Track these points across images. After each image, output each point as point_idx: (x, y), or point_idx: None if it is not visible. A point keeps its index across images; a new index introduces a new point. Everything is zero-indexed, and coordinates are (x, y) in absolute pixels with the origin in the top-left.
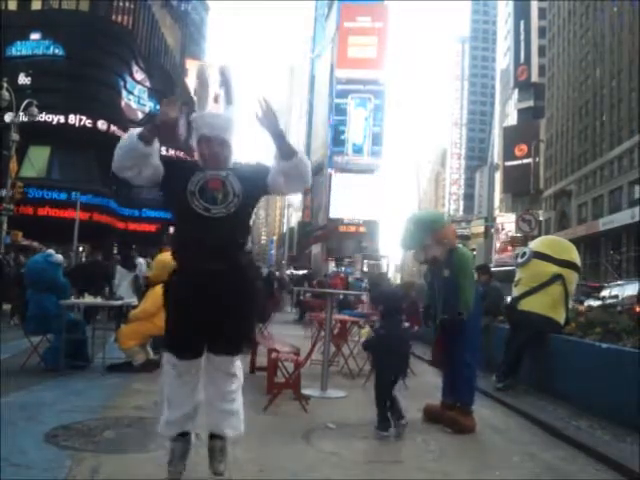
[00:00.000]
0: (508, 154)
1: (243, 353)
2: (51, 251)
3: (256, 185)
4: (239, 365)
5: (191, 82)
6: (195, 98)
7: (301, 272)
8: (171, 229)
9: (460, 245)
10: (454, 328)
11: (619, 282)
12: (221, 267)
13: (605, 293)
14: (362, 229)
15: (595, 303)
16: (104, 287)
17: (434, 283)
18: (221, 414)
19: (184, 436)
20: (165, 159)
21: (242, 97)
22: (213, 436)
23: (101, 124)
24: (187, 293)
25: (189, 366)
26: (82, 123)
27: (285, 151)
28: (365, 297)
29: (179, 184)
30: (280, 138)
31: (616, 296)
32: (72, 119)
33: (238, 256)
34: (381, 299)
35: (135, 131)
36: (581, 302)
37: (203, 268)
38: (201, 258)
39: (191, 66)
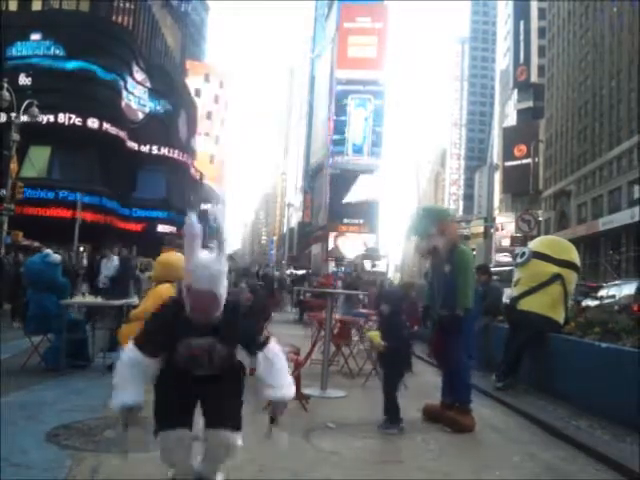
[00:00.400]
0: (508, 154)
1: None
2: (49, 251)
3: (242, 343)
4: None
5: (191, 83)
6: (185, 248)
7: (300, 272)
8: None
9: (462, 244)
10: (452, 326)
11: (616, 282)
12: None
13: (603, 293)
14: (362, 229)
15: (593, 303)
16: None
17: (434, 281)
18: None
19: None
20: (149, 349)
21: (229, 234)
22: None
23: (101, 124)
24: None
25: (177, 439)
26: (82, 123)
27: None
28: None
29: (164, 347)
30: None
31: (613, 296)
32: (72, 119)
33: (228, 373)
34: (386, 300)
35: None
36: (578, 302)
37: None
38: (187, 413)
39: (191, 67)
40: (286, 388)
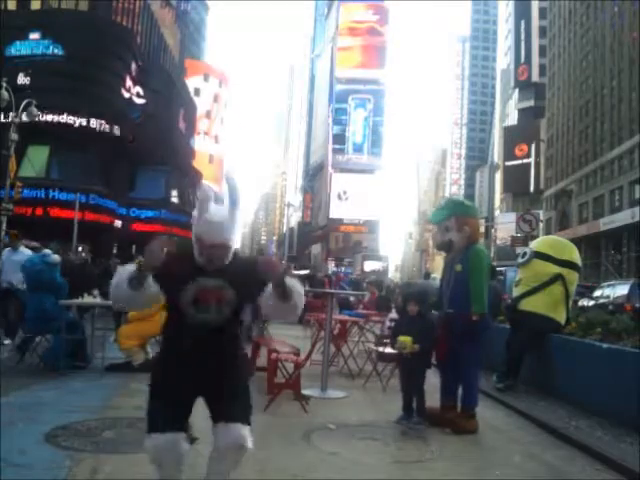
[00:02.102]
0: (508, 154)
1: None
2: (48, 251)
3: (250, 294)
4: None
5: (191, 82)
6: (196, 206)
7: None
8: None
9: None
10: (464, 329)
11: (611, 282)
12: (212, 364)
13: (598, 293)
14: (362, 229)
15: (589, 303)
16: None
17: (444, 277)
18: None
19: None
20: (160, 274)
21: (244, 200)
22: None
23: (100, 124)
24: (174, 378)
25: (168, 445)
26: (81, 123)
27: (282, 295)
28: (366, 298)
29: (173, 289)
30: (281, 287)
31: (608, 296)
32: (71, 119)
33: (230, 352)
34: (415, 300)
35: (124, 275)
36: (575, 302)
37: (193, 363)
38: (190, 357)
39: (190, 66)
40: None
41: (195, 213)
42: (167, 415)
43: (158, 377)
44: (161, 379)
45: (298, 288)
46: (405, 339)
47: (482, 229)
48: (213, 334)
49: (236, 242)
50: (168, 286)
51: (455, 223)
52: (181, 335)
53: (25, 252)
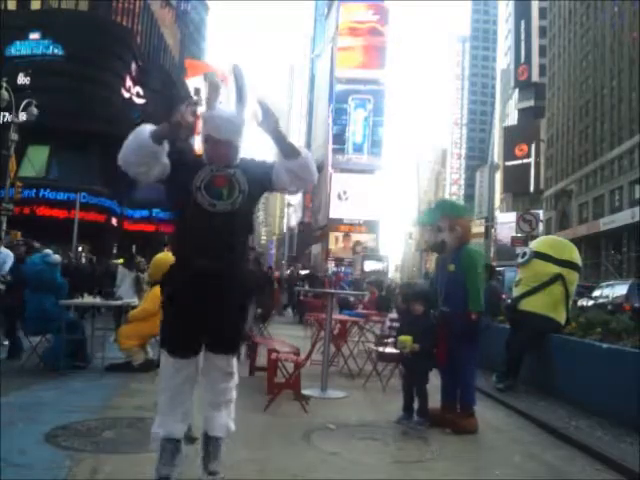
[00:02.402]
0: (508, 154)
1: (239, 354)
2: (49, 251)
3: (261, 182)
4: (235, 364)
5: (191, 82)
6: (204, 98)
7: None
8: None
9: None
10: (459, 324)
11: (610, 282)
12: (221, 265)
13: (597, 293)
14: (362, 229)
15: (588, 303)
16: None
17: (437, 278)
18: (218, 414)
19: (176, 440)
20: (172, 155)
21: (250, 97)
22: (208, 436)
23: (100, 124)
24: (185, 291)
25: (186, 364)
26: (81, 123)
27: (288, 151)
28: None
29: (185, 179)
30: (281, 140)
31: (607, 296)
32: (71, 119)
33: (240, 254)
34: (418, 299)
35: (146, 128)
36: (574, 302)
37: (203, 265)
38: (203, 254)
39: (190, 66)
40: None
41: (203, 111)
42: (184, 336)
43: (170, 295)
44: (173, 296)
45: (302, 147)
46: (405, 339)
47: (482, 229)
48: (224, 221)
49: (241, 144)
50: (181, 174)
51: (447, 223)
52: (193, 224)
53: (4, 252)
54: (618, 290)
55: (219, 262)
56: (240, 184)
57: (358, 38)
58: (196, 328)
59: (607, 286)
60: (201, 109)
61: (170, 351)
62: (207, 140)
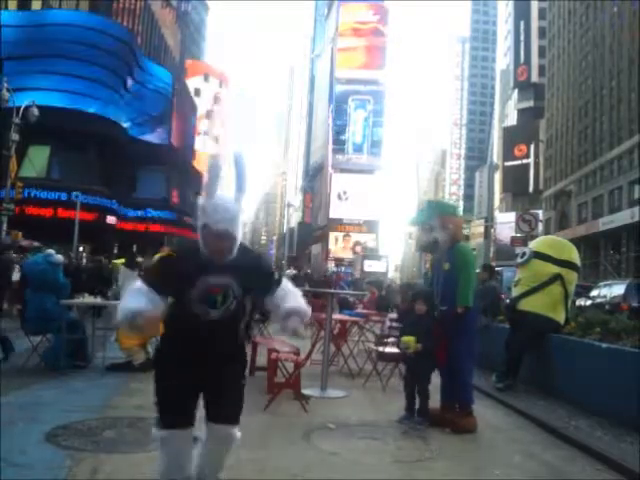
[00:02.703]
0: (508, 154)
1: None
2: (51, 251)
3: (254, 289)
4: (238, 433)
5: (191, 82)
6: (204, 186)
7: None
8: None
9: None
10: (452, 323)
11: (607, 282)
12: (216, 357)
13: (595, 293)
14: (362, 229)
15: (586, 302)
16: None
17: (434, 277)
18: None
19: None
20: (165, 277)
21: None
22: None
23: (100, 124)
24: (179, 374)
25: (179, 437)
26: (81, 123)
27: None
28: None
29: (180, 285)
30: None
31: (605, 296)
32: (71, 119)
33: (234, 340)
34: (422, 299)
35: (127, 320)
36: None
37: (196, 354)
38: (196, 358)
39: (191, 66)
40: (303, 305)
41: (200, 201)
42: (177, 411)
43: (163, 373)
44: (166, 375)
45: (299, 305)
46: (408, 339)
47: (482, 229)
48: (217, 326)
49: (240, 234)
50: (174, 286)
51: (439, 222)
52: (185, 328)
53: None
54: (615, 290)
55: (213, 362)
56: (235, 291)
57: (358, 38)
58: (192, 398)
59: (605, 286)
60: (201, 198)
61: (162, 421)
62: (205, 227)
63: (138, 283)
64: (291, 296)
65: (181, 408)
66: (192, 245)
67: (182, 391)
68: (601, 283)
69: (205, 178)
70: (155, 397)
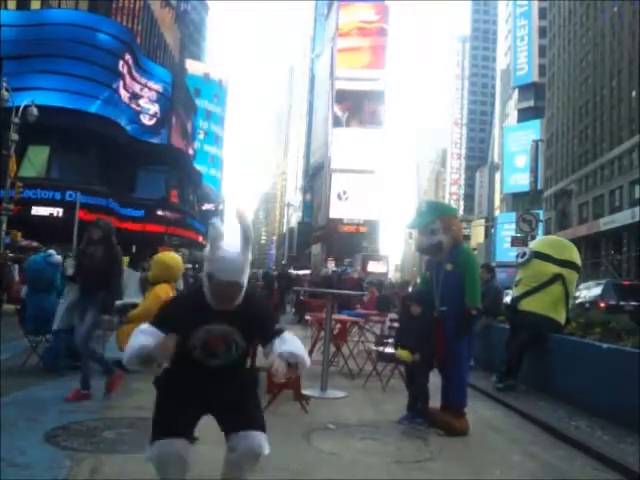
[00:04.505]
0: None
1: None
2: (52, 251)
3: (257, 338)
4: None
5: (191, 82)
6: (208, 245)
7: (302, 272)
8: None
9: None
10: (463, 325)
11: (587, 284)
12: (219, 391)
13: (576, 293)
14: (362, 229)
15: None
16: None
17: (433, 278)
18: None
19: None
20: (169, 320)
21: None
22: None
23: (100, 123)
24: (179, 394)
25: (175, 445)
26: (81, 123)
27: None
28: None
29: (183, 333)
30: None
31: (584, 296)
32: (71, 118)
33: (238, 379)
34: (418, 301)
35: (134, 355)
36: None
37: (199, 391)
38: (199, 400)
39: (191, 66)
40: (302, 352)
41: (207, 251)
42: (176, 425)
43: (164, 399)
44: (167, 401)
45: (300, 356)
46: (403, 353)
47: (482, 229)
48: (220, 370)
49: (246, 281)
50: (177, 330)
51: (441, 225)
52: (187, 371)
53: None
54: (594, 290)
55: (214, 392)
56: (237, 341)
57: (358, 38)
58: (191, 417)
59: (584, 288)
60: (205, 251)
61: (168, 432)
62: (211, 278)
63: (146, 326)
64: (289, 343)
65: (179, 421)
66: (197, 293)
67: (182, 407)
68: (581, 285)
69: (210, 235)
70: (154, 416)
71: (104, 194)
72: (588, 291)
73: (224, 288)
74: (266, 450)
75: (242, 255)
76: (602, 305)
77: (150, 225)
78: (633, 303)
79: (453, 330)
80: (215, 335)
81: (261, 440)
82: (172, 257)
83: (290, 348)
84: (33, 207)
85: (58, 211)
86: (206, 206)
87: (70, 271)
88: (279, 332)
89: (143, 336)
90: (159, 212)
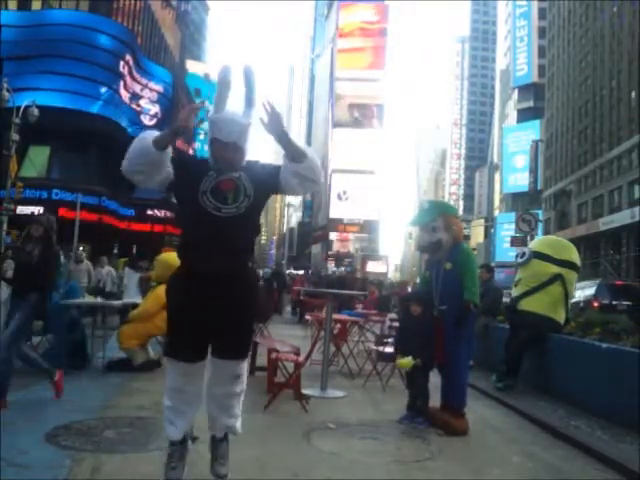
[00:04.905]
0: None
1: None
2: None
3: (267, 185)
4: (245, 367)
5: (191, 82)
6: (214, 100)
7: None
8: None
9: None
10: (452, 322)
11: (581, 284)
12: (227, 270)
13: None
14: (362, 229)
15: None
16: None
17: (432, 277)
18: (226, 416)
19: (183, 441)
20: (176, 159)
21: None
22: (215, 439)
23: (101, 124)
24: (190, 296)
25: (192, 368)
26: (82, 123)
27: (294, 154)
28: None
29: (190, 184)
30: (287, 142)
31: (579, 296)
32: (71, 118)
33: (246, 258)
34: (417, 301)
35: (149, 136)
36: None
37: (209, 270)
38: (209, 258)
39: (191, 66)
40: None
41: (211, 115)
42: (188, 343)
43: (175, 298)
44: (179, 301)
45: (307, 149)
46: (403, 363)
47: (481, 229)
48: (228, 224)
49: (248, 146)
50: (185, 179)
51: (443, 223)
52: (196, 227)
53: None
54: (588, 290)
55: (225, 264)
56: (246, 188)
57: (358, 38)
58: (203, 333)
59: (579, 288)
60: (209, 112)
61: (176, 356)
62: (213, 142)
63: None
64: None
65: (192, 342)
66: (203, 162)
67: (193, 325)
68: (577, 285)
69: (217, 90)
70: (167, 328)
71: (104, 194)
72: (582, 291)
73: (226, 150)
74: (243, 377)
75: (244, 116)
76: (596, 304)
77: (150, 225)
78: (625, 302)
79: (453, 330)
80: (222, 179)
81: (239, 368)
82: (175, 257)
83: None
84: (33, 207)
85: (59, 211)
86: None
87: (10, 273)
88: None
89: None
90: (159, 212)
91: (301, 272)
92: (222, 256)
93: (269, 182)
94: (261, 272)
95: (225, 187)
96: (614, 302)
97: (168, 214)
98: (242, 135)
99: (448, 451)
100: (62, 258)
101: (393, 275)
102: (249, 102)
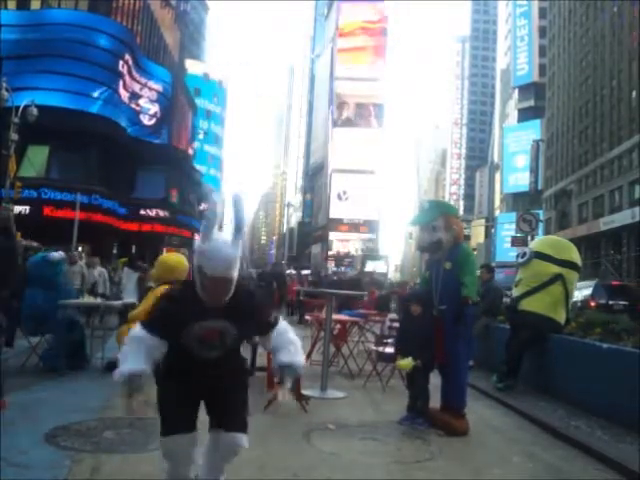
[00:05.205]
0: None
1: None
2: (53, 252)
3: (251, 332)
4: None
5: (191, 82)
6: (202, 226)
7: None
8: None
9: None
10: (452, 322)
11: (580, 284)
12: (215, 380)
13: None
14: (362, 229)
15: None
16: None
17: (432, 276)
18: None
19: None
20: (161, 320)
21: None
22: None
23: (101, 124)
24: (179, 383)
25: (182, 441)
26: (81, 123)
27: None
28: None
29: (176, 332)
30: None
31: (576, 295)
32: (71, 118)
33: (234, 363)
34: (417, 301)
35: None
36: None
37: (196, 380)
38: (197, 379)
39: (190, 66)
40: (298, 356)
41: (198, 241)
42: (179, 417)
43: (164, 391)
44: (167, 387)
45: (292, 360)
46: (403, 364)
47: (482, 229)
48: (216, 359)
49: (236, 276)
50: (170, 329)
51: (443, 223)
52: (183, 364)
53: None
54: (585, 290)
55: (210, 380)
56: (231, 333)
57: (357, 38)
58: (192, 405)
59: (576, 289)
60: (197, 243)
61: (164, 429)
62: (201, 271)
63: (139, 330)
64: (286, 345)
65: (183, 413)
66: (189, 287)
67: (183, 398)
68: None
69: (204, 220)
70: (157, 406)
71: (103, 194)
72: (579, 292)
73: (215, 283)
74: (245, 443)
75: (232, 249)
76: (592, 304)
77: (150, 225)
78: (622, 302)
79: (452, 330)
80: (210, 329)
81: (242, 441)
82: (176, 258)
83: (289, 359)
84: (33, 207)
85: (58, 211)
86: (203, 206)
87: None
88: (274, 324)
89: (137, 356)
90: (158, 212)
91: (293, 271)
92: (209, 376)
93: (253, 331)
94: (253, 271)
95: (210, 339)
96: (610, 302)
97: (168, 214)
98: (231, 267)
99: (448, 451)
100: (60, 257)
101: (393, 275)
102: (238, 230)
